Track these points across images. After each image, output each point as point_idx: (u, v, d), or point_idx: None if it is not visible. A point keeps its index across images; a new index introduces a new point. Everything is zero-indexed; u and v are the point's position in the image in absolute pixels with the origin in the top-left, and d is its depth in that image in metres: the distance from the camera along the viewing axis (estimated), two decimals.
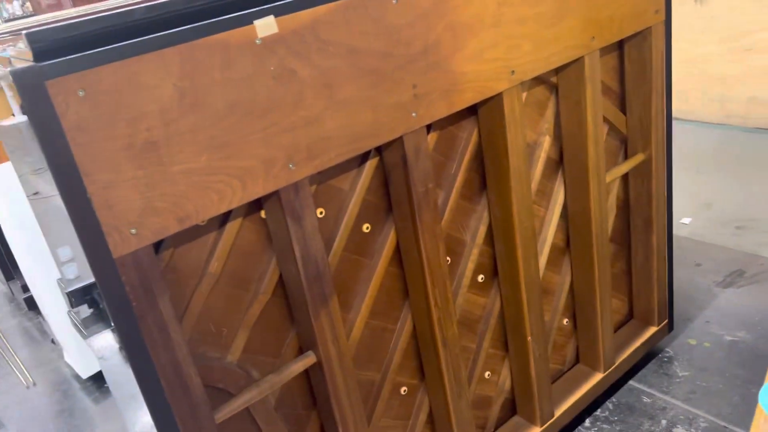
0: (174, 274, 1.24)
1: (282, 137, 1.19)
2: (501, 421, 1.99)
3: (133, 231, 1.06)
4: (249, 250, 1.34)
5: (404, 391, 1.70)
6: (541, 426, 1.94)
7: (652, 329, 2.26)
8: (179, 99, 1.06)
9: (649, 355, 2.28)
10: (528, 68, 1.57)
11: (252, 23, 1.12)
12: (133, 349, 1.10)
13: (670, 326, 2.32)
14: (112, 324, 2.95)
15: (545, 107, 1.82)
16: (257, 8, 1.13)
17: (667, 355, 2.29)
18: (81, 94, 0.97)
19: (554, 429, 1.98)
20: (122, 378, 2.86)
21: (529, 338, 1.82)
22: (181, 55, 1.05)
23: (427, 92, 1.38)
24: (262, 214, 1.34)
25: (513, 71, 1.54)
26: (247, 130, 1.15)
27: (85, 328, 2.57)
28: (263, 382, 1.36)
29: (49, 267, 2.57)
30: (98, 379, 2.87)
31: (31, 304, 3.47)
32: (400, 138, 1.39)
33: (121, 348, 2.92)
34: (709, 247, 2.87)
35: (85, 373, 2.83)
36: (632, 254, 2.21)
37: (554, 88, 1.82)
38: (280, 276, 1.39)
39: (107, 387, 2.84)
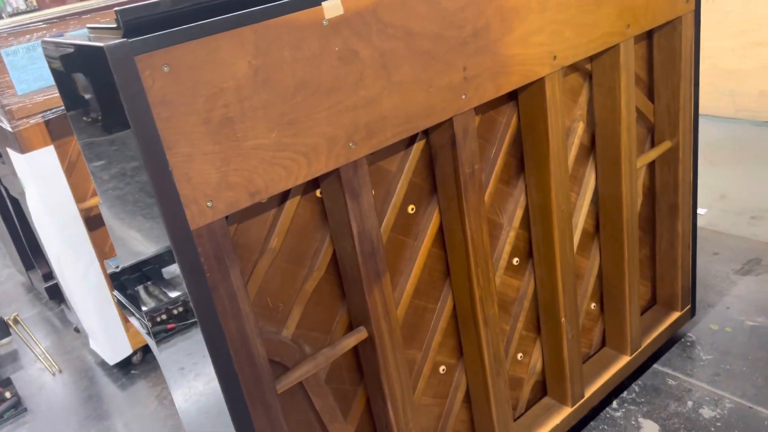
0: (237, 249, 1.29)
1: (344, 116, 1.23)
2: (531, 402, 2.04)
3: (209, 204, 1.10)
4: (305, 228, 1.38)
5: (443, 369, 1.75)
6: (572, 406, 1.99)
7: (676, 314, 2.31)
8: (253, 76, 1.10)
9: (672, 340, 2.33)
10: (569, 54, 1.62)
11: (320, 5, 1.16)
12: (206, 318, 1.14)
13: (692, 311, 2.37)
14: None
15: (579, 94, 1.87)
16: None
17: (690, 339, 2.34)
18: (166, 69, 1.01)
19: (584, 409, 2.03)
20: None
21: (562, 319, 1.87)
22: (255, 34, 1.09)
23: (476, 75, 1.43)
24: (318, 193, 1.38)
25: (555, 56, 1.58)
26: (314, 109, 1.19)
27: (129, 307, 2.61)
28: (319, 355, 1.40)
29: (79, 253, 2.60)
30: (125, 365, 2.91)
31: (53, 293, 3.50)
32: (450, 119, 1.43)
33: (147, 333, 2.97)
34: (725, 236, 2.92)
35: (112, 360, 2.87)
36: (657, 240, 2.26)
37: (588, 75, 1.86)
38: (333, 253, 1.43)
39: (134, 373, 2.88)
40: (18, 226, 3.43)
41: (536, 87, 1.61)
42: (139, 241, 1.47)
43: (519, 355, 1.94)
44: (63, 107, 2.35)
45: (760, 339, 2.28)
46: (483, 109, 1.63)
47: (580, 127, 1.89)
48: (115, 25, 1.04)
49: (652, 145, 2.14)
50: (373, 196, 1.46)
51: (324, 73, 1.19)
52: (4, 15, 5.53)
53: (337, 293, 1.48)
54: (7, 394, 2.76)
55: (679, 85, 1.99)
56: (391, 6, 1.26)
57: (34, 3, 5.74)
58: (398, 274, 1.58)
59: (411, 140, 1.51)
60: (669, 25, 1.94)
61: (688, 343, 2.33)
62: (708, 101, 4.17)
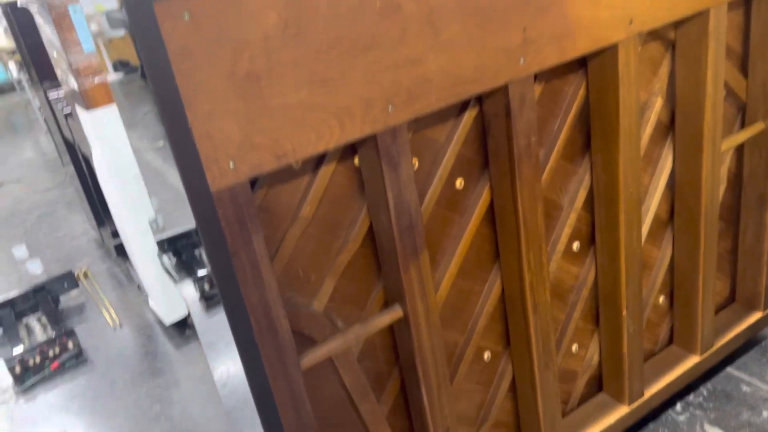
0: (266, 215, 1.22)
1: (383, 76, 1.13)
2: (585, 398, 1.90)
3: (232, 165, 1.03)
4: (341, 197, 1.30)
5: (488, 357, 1.64)
6: (629, 405, 1.84)
7: (757, 314, 2.09)
8: (283, 29, 1.02)
9: (750, 342, 2.13)
10: (647, 18, 1.44)
11: None
12: (225, 285, 1.09)
13: None
14: (196, 274, 3.02)
15: (659, 65, 1.68)
16: None
17: None
18: (186, 17, 0.94)
19: (643, 410, 1.88)
20: (203, 326, 2.94)
21: (624, 312, 1.71)
22: None
23: (537, 37, 1.29)
24: (356, 161, 1.29)
25: (631, 20, 1.42)
26: (349, 66, 1.10)
27: (175, 275, 2.64)
28: (349, 331, 1.33)
29: (139, 215, 2.64)
30: (181, 325, 2.96)
31: (120, 250, 3.60)
32: (505, 86, 1.30)
33: (200, 297, 3.00)
34: None
35: (168, 320, 2.92)
36: (740, 233, 2.05)
37: (671, 45, 1.67)
38: (370, 226, 1.35)
39: (188, 334, 2.92)
40: (90, 184, 3.54)
41: (608, 55, 1.45)
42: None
43: (574, 347, 1.81)
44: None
45: None
46: (546, 76, 1.49)
47: (659, 103, 1.71)
48: None
49: (742, 126, 1.92)
50: (416, 167, 1.37)
51: (362, 28, 1.09)
52: None
53: (373, 267, 1.40)
54: (70, 345, 2.86)
55: None
56: None
57: None
58: (442, 252, 1.48)
59: (462, 108, 1.39)
60: None
61: None
62: None
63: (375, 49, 1.11)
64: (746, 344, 2.11)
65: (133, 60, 8.44)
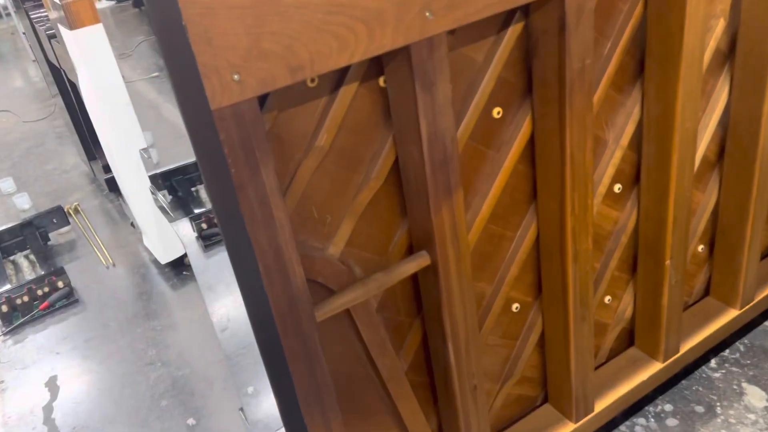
0: (276, 143, 1.03)
1: None
2: (615, 352, 1.76)
3: (236, 77, 0.83)
4: (363, 125, 1.11)
5: (516, 308, 1.49)
6: (664, 361, 1.70)
7: None
8: None
9: None
10: None
11: None
12: (229, 225, 0.91)
13: None
14: (193, 211, 2.83)
15: None
16: None
17: None
18: None
19: (677, 366, 1.74)
20: (201, 266, 2.78)
21: (667, 262, 1.55)
22: None
23: None
24: (381, 81, 1.09)
25: None
26: None
27: (170, 212, 2.45)
28: (370, 280, 1.16)
29: (130, 147, 2.44)
30: (177, 265, 2.80)
31: (113, 185, 3.42)
32: None
33: (197, 237, 2.83)
34: None
35: (164, 259, 2.76)
36: None
37: None
38: (395, 160, 1.16)
39: (185, 274, 2.77)
40: (79, 114, 3.32)
41: None
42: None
43: (607, 298, 1.65)
44: None
45: None
46: None
47: (720, 26, 1.50)
48: None
49: None
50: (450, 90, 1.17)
51: None
52: None
53: (397, 208, 1.22)
54: (60, 284, 2.70)
55: None
56: None
57: None
58: (473, 192, 1.30)
59: (506, 22, 1.19)
60: None
61: None
62: None
63: None
64: None
65: None
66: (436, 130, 1.06)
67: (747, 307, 1.83)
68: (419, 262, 1.19)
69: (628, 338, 1.77)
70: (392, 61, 1.03)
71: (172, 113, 4.41)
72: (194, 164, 3.14)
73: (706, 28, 1.33)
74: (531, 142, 1.32)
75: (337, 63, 0.91)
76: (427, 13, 0.96)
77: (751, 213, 1.67)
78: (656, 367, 1.70)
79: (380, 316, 1.27)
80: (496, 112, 1.26)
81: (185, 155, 3.10)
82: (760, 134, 1.56)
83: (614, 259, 1.60)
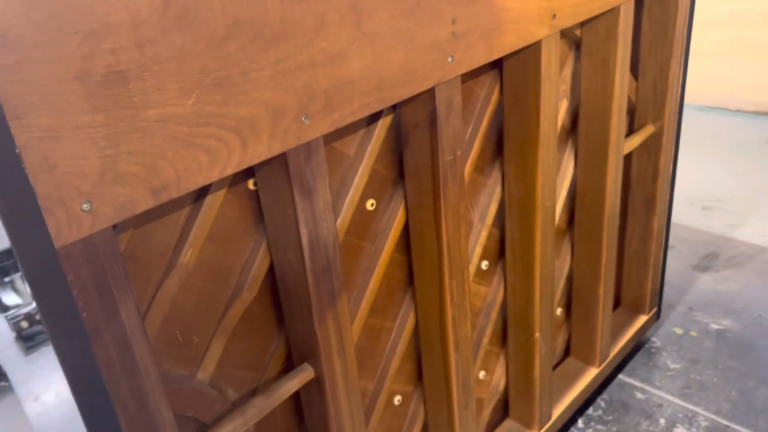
0: (132, 265, 0.88)
1: (296, 77, 0.85)
2: (492, 426, 1.75)
3: (86, 206, 0.69)
4: (232, 233, 0.99)
5: (398, 400, 1.42)
6: (539, 430, 1.72)
7: (643, 318, 2.09)
8: (162, 9, 0.70)
9: (636, 346, 2.11)
10: (569, 13, 1.29)
11: None
12: (80, 380, 0.74)
13: (657, 314, 2.16)
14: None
15: (563, 66, 1.56)
16: None
17: (655, 345, 2.13)
18: None
19: None
20: (22, 374, 2.39)
21: (537, 335, 1.58)
22: None
23: (467, 31, 1.07)
24: (251, 184, 0.99)
25: (555, 15, 1.25)
26: (252, 64, 0.80)
27: None
28: (248, 407, 1.02)
29: None
30: None
31: None
32: (431, 89, 1.07)
33: (17, 338, 2.46)
34: (678, 228, 2.75)
35: None
36: (627, 237, 2.02)
37: (575, 43, 1.55)
38: (270, 267, 1.05)
39: (3, 385, 2.37)
40: None
41: (530, 52, 1.27)
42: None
43: (482, 374, 1.64)
44: None
45: (728, 345, 2.09)
46: (461, 77, 1.28)
47: (563, 106, 1.59)
48: None
49: (631, 129, 1.88)
50: None
51: (269, 13, 0.80)
52: None
53: (272, 318, 1.10)
54: None
55: (670, 61, 1.72)
56: None
57: None
58: (351, 287, 1.22)
59: (375, 115, 1.14)
60: None
61: (653, 350, 2.11)
62: None
63: (286, 41, 0.82)
64: (633, 348, 2.10)
65: None
66: (317, 237, 0.97)
67: (604, 364, 1.92)
68: (302, 377, 1.08)
69: (503, 409, 1.77)
70: (266, 166, 0.93)
71: None
72: (8, 251, 2.75)
73: (557, 112, 1.40)
74: (405, 230, 1.28)
75: (208, 178, 0.80)
76: (304, 118, 0.88)
77: (602, 276, 1.76)
78: None
79: None
80: (370, 204, 1.20)
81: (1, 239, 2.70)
82: (605, 203, 1.66)
83: (486, 335, 1.60)
